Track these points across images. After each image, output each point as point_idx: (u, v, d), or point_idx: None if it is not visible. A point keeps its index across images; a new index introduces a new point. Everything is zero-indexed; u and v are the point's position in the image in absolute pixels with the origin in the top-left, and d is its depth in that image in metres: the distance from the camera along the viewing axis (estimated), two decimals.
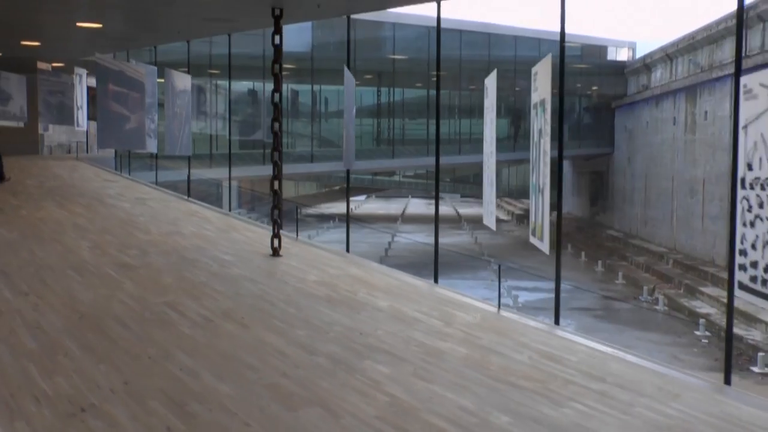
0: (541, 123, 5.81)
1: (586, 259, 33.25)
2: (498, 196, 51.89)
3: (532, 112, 6.28)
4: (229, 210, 15.51)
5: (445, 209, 55.74)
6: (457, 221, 48.65)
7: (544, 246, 5.82)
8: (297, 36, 27.83)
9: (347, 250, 11.33)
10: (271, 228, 9.75)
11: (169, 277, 7.92)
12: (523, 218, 48.72)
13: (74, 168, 19.98)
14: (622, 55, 44.56)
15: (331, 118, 35.20)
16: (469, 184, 56.11)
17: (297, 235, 11.12)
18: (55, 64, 17.56)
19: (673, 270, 28.44)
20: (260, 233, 11.24)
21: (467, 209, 56.09)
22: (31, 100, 16.23)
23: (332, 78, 30.85)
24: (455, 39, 35.22)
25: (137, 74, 10.69)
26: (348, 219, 12.22)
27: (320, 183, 53.67)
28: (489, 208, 7.52)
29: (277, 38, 9.03)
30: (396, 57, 32.75)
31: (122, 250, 9.26)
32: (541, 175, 5.84)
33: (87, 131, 25.47)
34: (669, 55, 34.88)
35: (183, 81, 12.28)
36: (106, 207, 12.93)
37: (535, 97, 6.12)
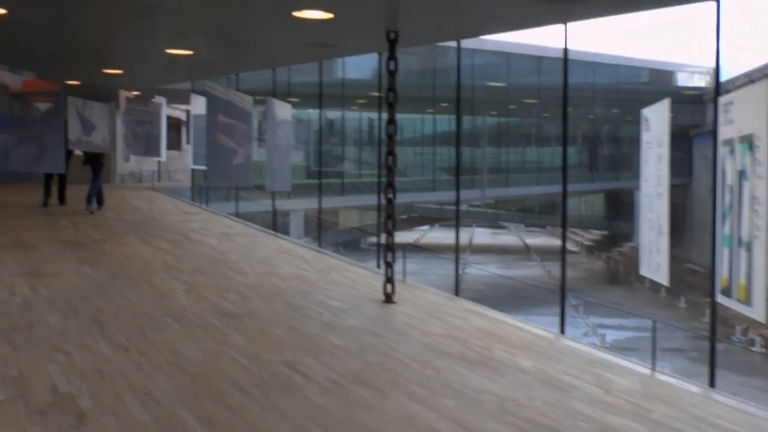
0: (745, 163, 4.83)
1: (665, 294, 31.78)
2: (568, 227, 50.27)
3: (722, 149, 5.30)
4: (298, 237, 14.74)
5: (510, 239, 54.44)
6: (524, 252, 47.33)
7: (756, 312, 4.78)
8: (365, 63, 27.18)
9: (456, 293, 10.43)
10: (380, 269, 8.88)
11: (279, 329, 7.09)
12: (593, 249, 47.24)
13: (151, 199, 19.52)
14: (697, 82, 43.10)
15: (404, 146, 34.39)
16: (534, 214, 54.65)
17: (405, 276, 10.23)
18: (134, 93, 17.08)
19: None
20: (362, 274, 10.39)
21: (534, 239, 54.68)
22: (111, 129, 15.80)
23: (406, 106, 30.26)
24: (529, 65, 34.29)
25: (245, 104, 9.99)
26: (457, 258, 11.33)
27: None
28: (655, 259, 6.52)
29: (392, 64, 8.22)
30: (473, 84, 31.97)
31: (220, 294, 8.48)
32: (746, 225, 4.85)
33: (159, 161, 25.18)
34: (753, 80, 33.45)
35: (284, 110, 11.56)
36: (192, 243, 12.24)
37: (728, 132, 5.15)
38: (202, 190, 20.95)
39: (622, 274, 38.65)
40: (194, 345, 6.36)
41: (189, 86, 20.50)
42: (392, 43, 8.20)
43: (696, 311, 29.19)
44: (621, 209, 47.10)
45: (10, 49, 11.39)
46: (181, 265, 10.17)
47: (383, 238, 8.95)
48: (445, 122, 36.49)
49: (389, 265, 8.88)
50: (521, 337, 7.52)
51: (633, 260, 42.06)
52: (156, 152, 15.51)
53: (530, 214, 56.88)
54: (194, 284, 8.95)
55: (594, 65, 37.98)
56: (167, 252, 11.18)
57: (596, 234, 51.39)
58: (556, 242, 56.18)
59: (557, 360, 6.67)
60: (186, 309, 7.68)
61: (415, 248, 45.98)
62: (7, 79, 9.26)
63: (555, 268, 38.84)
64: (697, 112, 40.90)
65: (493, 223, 58.49)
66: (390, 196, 8.54)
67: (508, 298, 31.09)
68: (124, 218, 15.05)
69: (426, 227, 60.99)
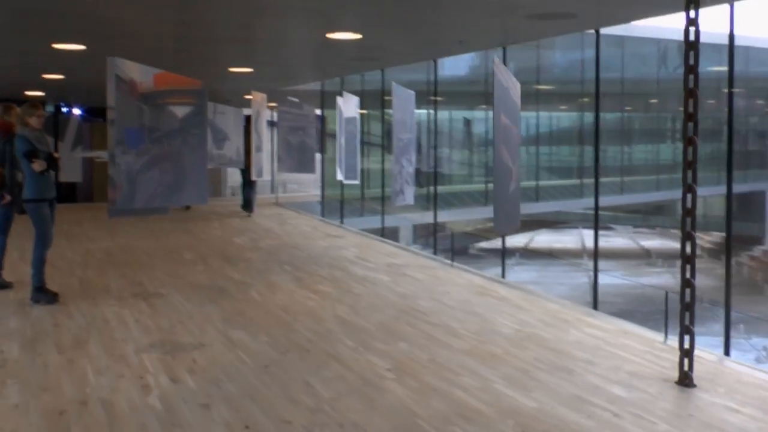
0: None
1: None
2: (674, 227, 45.60)
3: None
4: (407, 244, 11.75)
5: (623, 242, 50.20)
6: (644, 256, 43.16)
7: None
8: (461, 61, 23.93)
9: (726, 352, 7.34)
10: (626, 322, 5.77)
11: None
12: (717, 253, 42.91)
13: (280, 217, 16.82)
14: None
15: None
16: (641, 215, 49.91)
17: (666, 335, 7.03)
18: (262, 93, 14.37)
19: None
20: (608, 329, 7.25)
21: (650, 242, 50.30)
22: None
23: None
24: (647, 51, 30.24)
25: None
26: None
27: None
28: None
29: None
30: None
31: (444, 375, 5.52)
32: None
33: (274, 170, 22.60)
34: None
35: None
36: (359, 282, 9.33)
37: None
38: (329, 205, 18.27)
39: (761, 282, 34.28)
40: None
41: (319, 87, 17.81)
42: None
43: None
44: (746, 209, 42.65)
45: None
46: (364, 322, 7.26)
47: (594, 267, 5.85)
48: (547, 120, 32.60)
49: (689, 332, 5.78)
50: None
51: None
52: (311, 167, 12.63)
53: (638, 214, 52.23)
54: (400, 359, 6.00)
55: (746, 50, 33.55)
56: (334, 298, 8.31)
57: (717, 236, 47.04)
58: (673, 245, 51.91)
59: None
60: (414, 412, 4.74)
61: (534, 253, 42.63)
62: (135, 72, 6.38)
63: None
64: None
65: (601, 225, 54.23)
66: (690, 208, 5.40)
67: (653, 312, 27.48)
68: (261, 246, 12.30)
69: (532, 232, 57.05)
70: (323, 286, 8.99)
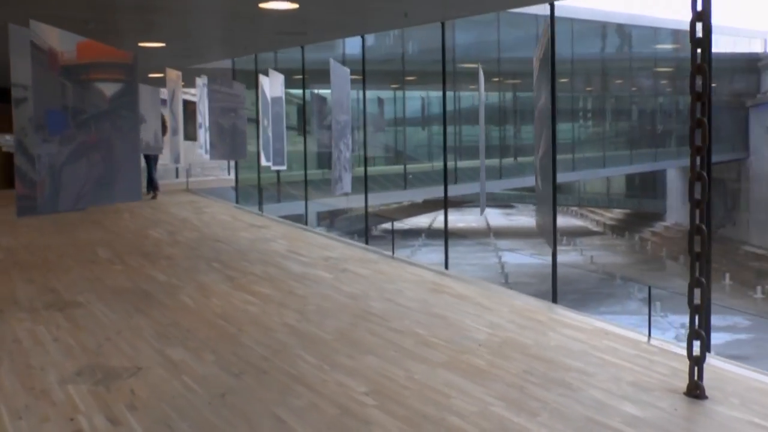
0: None
1: (731, 282, 28.14)
2: (575, 205, 46.25)
3: None
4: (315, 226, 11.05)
5: (526, 220, 50.70)
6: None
7: None
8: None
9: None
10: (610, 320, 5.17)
11: None
12: (618, 230, 43.83)
13: (194, 205, 15.64)
14: (751, 47, 39.11)
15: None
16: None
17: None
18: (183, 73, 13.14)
19: None
20: (589, 330, 6.61)
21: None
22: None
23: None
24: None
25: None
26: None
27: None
28: None
29: None
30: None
31: (431, 398, 4.73)
32: None
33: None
34: None
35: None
36: (298, 281, 8.43)
37: None
38: (243, 191, 17.15)
39: (665, 257, 34.96)
40: None
41: (230, 64, 16.66)
42: None
43: None
44: (649, 187, 43.62)
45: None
46: (318, 331, 6.39)
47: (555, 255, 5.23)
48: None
49: (699, 337, 5.17)
50: None
51: (672, 240, 38.64)
52: (242, 152, 11.44)
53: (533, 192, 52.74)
54: (374, 379, 5.18)
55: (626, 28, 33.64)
56: (277, 302, 7.40)
57: (618, 213, 48.16)
58: (576, 222, 52.73)
59: None
60: None
61: (439, 234, 42.30)
62: (55, 39, 5.16)
63: (595, 253, 35.12)
64: (751, 80, 37.05)
65: (501, 203, 54.90)
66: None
67: (566, 292, 27.51)
68: (180, 240, 11.21)
69: (435, 212, 56.90)
70: (260, 286, 8.06)
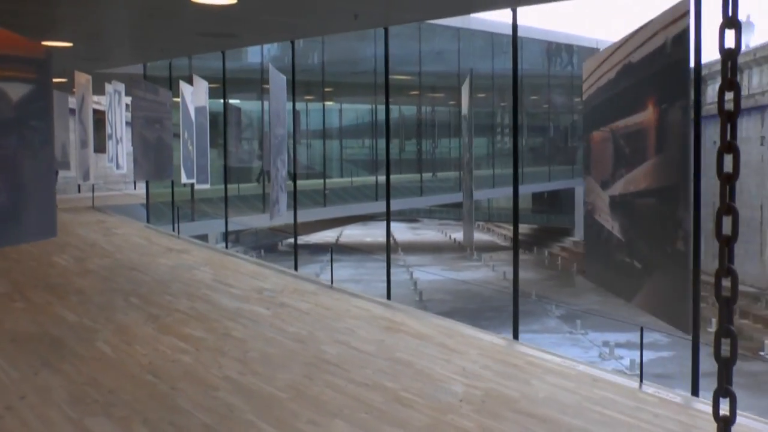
0: None
1: None
2: (484, 220, 46.10)
3: None
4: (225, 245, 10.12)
5: (433, 234, 50.47)
6: (459, 249, 43.31)
7: None
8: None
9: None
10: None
11: None
12: (527, 244, 43.88)
13: (102, 226, 14.25)
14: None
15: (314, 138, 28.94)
16: (446, 208, 50.05)
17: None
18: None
19: None
20: (576, 377, 5.80)
21: (459, 234, 50.88)
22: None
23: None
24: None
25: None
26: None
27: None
28: None
29: None
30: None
31: None
32: None
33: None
34: (739, 65, 30.09)
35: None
36: (233, 319, 7.36)
37: None
38: (155, 209, 15.84)
39: (575, 272, 35.01)
40: None
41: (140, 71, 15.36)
42: None
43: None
44: (558, 203, 43.95)
45: None
46: (268, 386, 5.37)
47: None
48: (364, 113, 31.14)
49: (728, 395, 4.38)
50: None
51: (582, 255, 38.82)
52: (168, 171, 10.06)
53: (443, 206, 52.62)
54: None
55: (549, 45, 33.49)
56: (213, 348, 6.32)
57: (525, 227, 48.42)
58: (484, 237, 52.68)
59: None
60: None
61: (348, 249, 41.43)
62: None
63: (507, 269, 34.80)
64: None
65: (406, 217, 54.68)
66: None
67: (482, 310, 26.97)
68: (90, 267, 9.93)
69: (342, 227, 55.90)
70: (190, 327, 6.97)
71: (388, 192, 9.78)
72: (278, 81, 7.92)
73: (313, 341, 6.60)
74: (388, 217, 9.71)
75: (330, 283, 9.30)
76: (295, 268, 10.86)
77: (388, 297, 9.32)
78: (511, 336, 7.71)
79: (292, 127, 16.08)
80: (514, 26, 7.51)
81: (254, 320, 7.31)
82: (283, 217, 12.79)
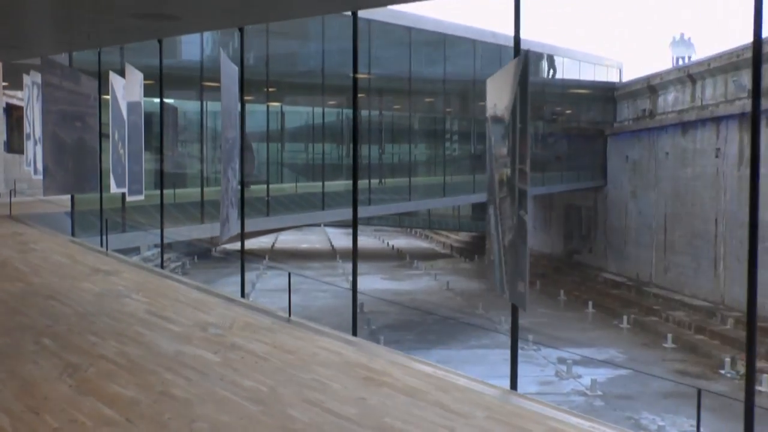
0: None
1: (594, 310, 27.37)
2: (434, 228, 45.10)
3: None
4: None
5: (372, 242, 49.44)
6: (397, 257, 42.24)
7: None
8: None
9: None
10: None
11: None
12: (467, 252, 43.15)
13: (18, 239, 12.46)
14: (608, 76, 38.84)
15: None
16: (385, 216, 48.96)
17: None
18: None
19: (737, 332, 22.79)
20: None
21: (396, 241, 50.12)
22: None
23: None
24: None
25: None
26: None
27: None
28: None
29: None
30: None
31: None
32: None
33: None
34: (692, 75, 29.52)
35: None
36: (174, 370, 5.87)
37: None
38: (79, 218, 14.10)
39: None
40: None
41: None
42: None
43: (650, 334, 24.78)
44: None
45: None
46: None
47: None
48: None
49: None
50: None
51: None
52: (93, 182, 8.37)
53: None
54: None
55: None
56: (149, 417, 4.84)
57: (464, 235, 47.84)
58: (422, 244, 51.72)
59: None
60: None
61: (284, 255, 39.86)
62: None
63: (449, 278, 33.70)
64: (607, 109, 36.84)
65: (342, 222, 53.91)
66: None
67: (426, 322, 25.85)
68: None
69: (277, 232, 54.18)
70: (119, 384, 5.45)
71: (355, 201, 8.38)
72: (230, 72, 6.48)
73: (277, 402, 5.17)
74: (354, 235, 8.30)
75: (287, 315, 7.86)
76: (242, 294, 9.38)
77: (354, 333, 7.93)
78: (508, 385, 6.42)
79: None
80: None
81: (200, 371, 5.83)
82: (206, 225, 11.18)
